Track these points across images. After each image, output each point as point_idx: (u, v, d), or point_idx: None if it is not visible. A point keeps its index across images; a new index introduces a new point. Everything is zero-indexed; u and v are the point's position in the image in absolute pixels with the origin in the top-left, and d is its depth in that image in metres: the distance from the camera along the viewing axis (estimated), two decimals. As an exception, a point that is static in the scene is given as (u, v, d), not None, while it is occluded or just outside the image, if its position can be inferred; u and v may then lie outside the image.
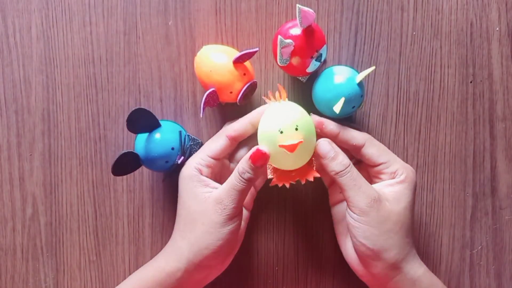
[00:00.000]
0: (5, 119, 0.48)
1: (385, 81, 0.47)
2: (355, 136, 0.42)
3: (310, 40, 0.40)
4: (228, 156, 0.45)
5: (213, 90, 0.41)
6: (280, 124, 0.38)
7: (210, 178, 0.42)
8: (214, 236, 0.40)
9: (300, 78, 0.46)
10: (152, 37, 0.47)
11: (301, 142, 0.38)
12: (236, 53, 0.42)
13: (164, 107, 0.48)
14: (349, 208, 0.40)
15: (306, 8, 0.38)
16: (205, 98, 0.41)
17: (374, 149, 0.41)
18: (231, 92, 0.42)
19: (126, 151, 0.40)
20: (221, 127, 0.48)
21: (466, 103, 0.47)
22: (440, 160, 0.47)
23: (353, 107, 0.41)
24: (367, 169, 0.43)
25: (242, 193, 0.40)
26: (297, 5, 0.38)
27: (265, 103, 0.42)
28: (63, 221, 0.48)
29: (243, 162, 0.40)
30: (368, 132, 0.47)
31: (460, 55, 0.47)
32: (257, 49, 0.41)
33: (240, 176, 0.40)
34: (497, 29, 0.47)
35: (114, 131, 0.48)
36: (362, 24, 0.47)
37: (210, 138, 0.47)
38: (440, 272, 0.48)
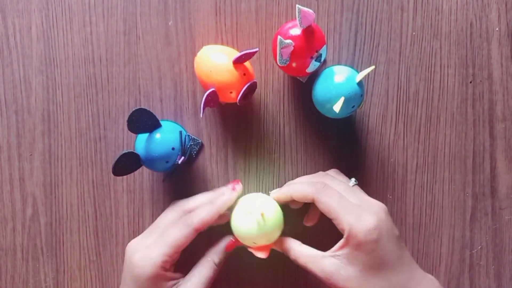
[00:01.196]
0: (5, 119, 0.48)
1: (385, 81, 0.47)
2: (303, 194, 0.42)
3: (310, 40, 0.40)
4: None
5: (213, 90, 0.41)
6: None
7: (169, 268, 0.42)
8: None
9: (300, 78, 0.46)
10: (152, 37, 0.47)
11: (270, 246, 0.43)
12: (236, 53, 0.42)
13: (164, 107, 0.48)
14: None
15: (305, 9, 0.38)
16: (205, 98, 0.41)
17: (323, 204, 0.40)
18: (231, 92, 0.42)
19: (126, 151, 0.40)
20: (221, 127, 0.48)
21: (466, 104, 0.47)
22: (440, 160, 0.47)
23: (353, 106, 0.41)
24: None
25: (212, 279, 0.42)
26: (297, 5, 0.38)
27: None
28: (63, 222, 0.48)
29: (218, 253, 0.43)
30: (368, 132, 0.47)
31: (460, 55, 0.47)
32: (257, 49, 0.41)
33: (216, 265, 0.42)
34: (497, 29, 0.47)
35: (114, 131, 0.48)
36: (362, 24, 0.47)
37: (210, 138, 0.48)
38: (440, 272, 0.48)
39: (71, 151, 0.48)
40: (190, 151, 0.44)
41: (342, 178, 0.45)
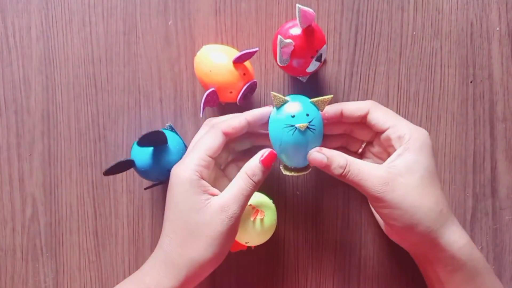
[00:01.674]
0: (4, 119, 0.48)
1: (385, 81, 0.47)
2: (357, 107, 0.40)
3: (310, 40, 0.40)
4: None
5: (213, 90, 0.41)
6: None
7: (207, 181, 0.39)
8: (218, 248, 0.37)
9: (300, 78, 0.45)
10: (152, 37, 0.47)
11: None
12: (236, 53, 0.42)
13: (164, 107, 0.48)
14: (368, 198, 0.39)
15: (306, 8, 0.38)
16: (205, 98, 0.41)
17: (379, 114, 0.39)
18: (231, 92, 0.42)
19: (125, 159, 0.40)
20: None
21: (466, 104, 0.47)
22: (440, 160, 0.47)
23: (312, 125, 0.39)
24: (379, 142, 0.42)
25: (248, 198, 0.39)
26: (297, 5, 0.38)
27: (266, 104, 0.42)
28: (62, 222, 0.48)
29: (252, 165, 0.38)
30: (368, 132, 0.47)
31: (460, 55, 0.47)
32: (257, 49, 0.41)
33: (251, 179, 0.38)
34: (497, 29, 0.47)
35: (114, 131, 0.48)
36: (362, 24, 0.47)
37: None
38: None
39: (71, 151, 0.48)
40: None
41: None
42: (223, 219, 0.37)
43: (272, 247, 0.48)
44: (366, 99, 0.47)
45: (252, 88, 0.43)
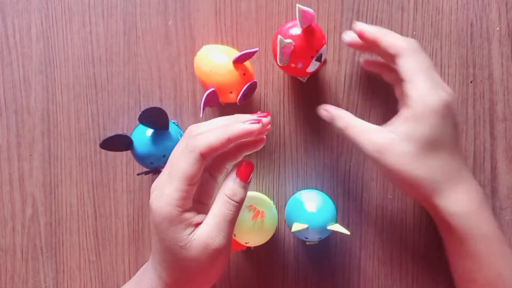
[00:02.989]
0: (4, 119, 0.48)
1: (385, 81, 0.47)
2: (393, 43, 0.38)
3: (310, 40, 0.40)
4: None
5: (213, 90, 0.41)
6: None
7: (188, 209, 0.35)
8: (212, 277, 0.36)
9: (300, 78, 0.45)
10: (152, 37, 0.47)
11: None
12: (236, 53, 0.42)
13: (163, 107, 0.47)
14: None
15: (306, 8, 0.38)
16: (205, 98, 0.41)
17: (405, 64, 0.38)
18: (231, 92, 0.42)
19: (123, 134, 0.40)
20: (221, 127, 0.47)
21: (466, 103, 0.47)
22: (440, 160, 0.47)
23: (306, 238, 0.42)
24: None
25: (233, 222, 0.36)
26: (297, 5, 0.38)
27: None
28: (62, 222, 0.48)
29: (230, 184, 0.36)
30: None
31: (460, 55, 0.47)
32: (257, 49, 0.41)
33: (231, 200, 0.35)
34: (497, 29, 0.47)
35: (114, 131, 0.48)
36: (362, 24, 0.47)
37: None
38: (441, 272, 0.47)
39: (71, 151, 0.48)
40: None
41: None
42: (210, 253, 0.34)
43: (272, 247, 0.48)
44: (366, 99, 0.47)
45: (252, 88, 0.43)
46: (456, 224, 0.38)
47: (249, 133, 0.35)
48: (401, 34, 0.47)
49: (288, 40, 0.39)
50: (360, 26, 0.40)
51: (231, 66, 0.41)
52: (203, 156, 0.34)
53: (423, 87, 0.37)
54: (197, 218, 0.35)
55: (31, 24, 0.48)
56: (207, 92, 0.41)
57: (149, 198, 0.48)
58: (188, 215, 0.35)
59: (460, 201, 0.38)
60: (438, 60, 0.47)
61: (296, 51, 0.40)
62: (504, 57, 0.47)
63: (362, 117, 0.47)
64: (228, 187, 0.36)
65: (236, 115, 0.37)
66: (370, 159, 0.39)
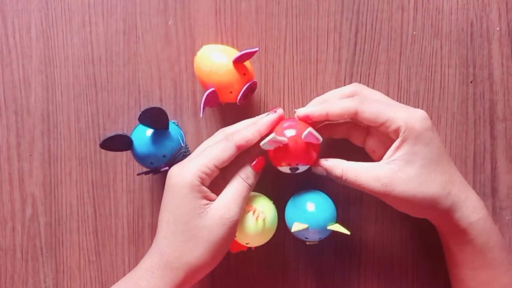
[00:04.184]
0: (4, 119, 0.48)
1: (385, 81, 0.47)
2: (342, 110, 0.39)
3: (300, 151, 0.40)
4: None
5: (213, 90, 0.41)
6: None
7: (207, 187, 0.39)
8: (217, 252, 0.38)
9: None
10: (152, 37, 0.47)
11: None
12: (236, 53, 0.42)
13: (164, 107, 0.47)
14: None
15: (316, 133, 0.39)
16: (205, 98, 0.41)
17: (368, 113, 0.39)
18: (231, 92, 0.42)
19: (123, 133, 0.40)
20: (221, 127, 0.47)
21: (467, 103, 0.47)
22: (441, 160, 0.47)
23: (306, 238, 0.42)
24: (378, 133, 0.42)
25: (245, 200, 0.40)
26: (310, 128, 0.39)
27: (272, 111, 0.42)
28: (62, 222, 0.48)
29: (245, 170, 0.40)
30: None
31: (461, 55, 0.47)
32: (257, 49, 0.41)
33: (245, 181, 0.40)
34: (498, 29, 0.47)
35: (114, 131, 0.48)
36: (362, 24, 0.47)
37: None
38: (442, 272, 0.47)
39: (71, 151, 0.48)
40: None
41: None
42: (224, 222, 0.38)
43: (272, 247, 0.48)
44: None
45: (252, 88, 0.43)
46: (475, 233, 0.39)
47: (273, 122, 0.40)
48: (401, 34, 0.47)
49: (283, 138, 0.39)
50: (303, 111, 0.40)
51: (231, 66, 0.41)
52: (238, 148, 0.39)
53: (402, 115, 0.38)
54: (212, 194, 0.39)
55: (31, 24, 0.48)
56: (207, 92, 0.41)
57: (149, 198, 0.48)
58: (205, 189, 0.38)
59: (476, 209, 0.39)
60: (438, 60, 0.47)
61: (280, 149, 0.40)
62: (504, 57, 0.47)
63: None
64: (244, 172, 0.40)
65: (257, 117, 0.42)
66: (379, 196, 0.39)
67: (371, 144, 0.43)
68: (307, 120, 0.41)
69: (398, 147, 0.38)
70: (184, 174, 0.38)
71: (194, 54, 0.46)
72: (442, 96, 0.47)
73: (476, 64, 0.47)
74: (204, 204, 0.38)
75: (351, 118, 0.40)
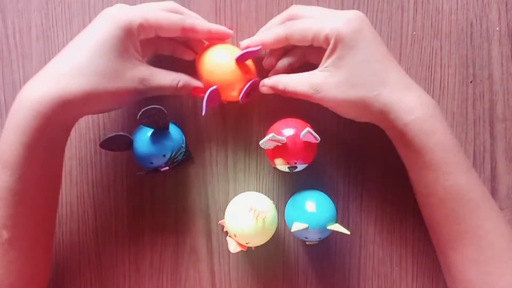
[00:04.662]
0: (4, 119, 0.48)
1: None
2: (273, 36, 0.41)
3: (298, 150, 0.41)
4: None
5: (215, 88, 0.41)
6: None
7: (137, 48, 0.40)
8: (107, 101, 0.39)
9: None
10: (152, 37, 0.47)
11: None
12: (238, 51, 0.42)
13: (164, 107, 0.47)
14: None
15: (314, 134, 0.39)
16: (207, 96, 0.41)
17: (296, 35, 0.40)
18: (233, 91, 0.42)
19: (123, 133, 0.40)
20: (221, 127, 0.48)
21: (466, 104, 0.47)
22: (440, 160, 0.47)
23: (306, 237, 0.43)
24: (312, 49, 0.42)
25: (164, 92, 0.42)
26: (308, 128, 0.39)
27: None
28: (63, 222, 0.48)
29: (186, 82, 0.42)
30: (367, 133, 0.47)
31: (460, 55, 0.47)
32: (259, 47, 0.41)
33: (176, 87, 0.42)
34: (497, 29, 0.47)
35: (114, 131, 0.48)
36: (362, 24, 0.47)
37: (210, 138, 0.48)
38: (441, 272, 0.48)
39: (71, 151, 0.48)
40: (177, 165, 0.44)
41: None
42: (140, 81, 0.40)
43: (272, 247, 0.48)
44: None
45: (254, 86, 0.43)
46: (412, 134, 0.38)
47: (223, 33, 0.43)
48: (401, 34, 0.47)
49: (282, 138, 0.40)
50: (244, 43, 0.43)
51: (233, 64, 0.42)
52: (182, 29, 0.41)
53: (328, 24, 0.38)
54: (140, 58, 0.40)
55: (31, 24, 0.48)
56: (209, 90, 0.41)
57: (149, 198, 0.48)
58: (138, 43, 0.39)
59: (412, 109, 0.38)
60: (438, 60, 0.47)
61: (279, 147, 0.41)
62: (504, 57, 0.47)
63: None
64: (184, 82, 0.42)
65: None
66: (318, 102, 0.41)
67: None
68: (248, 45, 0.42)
69: (330, 55, 0.39)
70: (123, 14, 0.38)
71: (194, 53, 0.46)
72: (442, 96, 0.47)
73: (476, 64, 0.47)
74: (136, 58, 0.40)
75: (287, 44, 0.42)
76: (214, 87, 0.41)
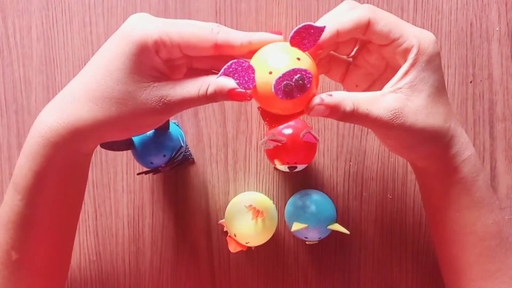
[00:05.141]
0: (5, 119, 0.48)
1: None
2: (355, 16, 0.33)
3: (297, 150, 0.41)
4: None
5: (249, 64, 0.31)
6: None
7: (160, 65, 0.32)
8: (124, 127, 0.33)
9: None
10: (152, 37, 0.47)
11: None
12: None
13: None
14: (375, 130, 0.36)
15: (314, 133, 0.39)
16: (236, 64, 0.31)
17: (382, 25, 0.33)
18: (273, 109, 0.32)
19: None
20: (221, 127, 0.48)
21: (466, 104, 0.47)
22: (440, 160, 0.47)
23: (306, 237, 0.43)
24: (380, 51, 0.35)
25: (193, 105, 0.33)
26: (307, 128, 0.39)
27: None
28: (63, 221, 0.48)
29: (218, 83, 0.32)
30: (368, 132, 0.47)
31: (460, 55, 0.47)
32: (284, 139, 0.41)
33: (207, 98, 0.32)
34: (497, 29, 0.47)
35: (114, 131, 0.48)
36: (362, 24, 0.47)
37: (210, 138, 0.48)
38: (442, 272, 0.48)
39: (71, 151, 0.48)
40: (177, 165, 0.44)
41: None
42: (159, 100, 0.32)
43: (272, 247, 0.48)
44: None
45: (302, 77, 0.30)
46: (466, 170, 0.36)
47: (269, 40, 0.32)
48: (401, 34, 0.47)
49: (282, 138, 0.40)
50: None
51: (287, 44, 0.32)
52: (215, 45, 0.32)
53: (416, 33, 0.33)
54: (162, 77, 0.33)
55: (32, 24, 0.48)
56: (242, 61, 0.31)
57: (149, 198, 0.48)
58: (159, 62, 0.32)
59: (468, 145, 0.36)
60: (437, 60, 0.47)
61: (279, 148, 0.41)
62: (503, 57, 0.47)
63: (362, 117, 0.47)
64: (214, 87, 0.32)
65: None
66: (381, 132, 0.35)
67: (353, 77, 0.38)
68: (318, 47, 0.33)
69: (407, 72, 0.33)
70: (141, 28, 0.31)
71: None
72: (442, 96, 0.47)
73: (476, 64, 0.47)
74: (152, 76, 0.32)
75: (360, 34, 0.34)
76: (248, 61, 0.32)
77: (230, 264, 0.48)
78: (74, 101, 0.33)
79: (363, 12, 0.33)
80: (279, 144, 0.40)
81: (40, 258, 0.37)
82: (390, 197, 0.47)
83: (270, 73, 0.30)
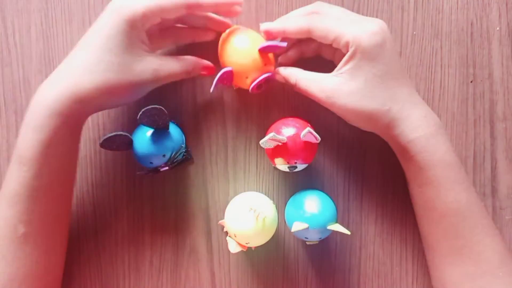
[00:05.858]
0: (4, 119, 0.48)
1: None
2: (297, 25, 0.41)
3: (298, 150, 0.41)
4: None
5: (229, 70, 0.41)
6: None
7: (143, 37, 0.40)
8: (118, 98, 0.40)
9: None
10: (152, 37, 0.47)
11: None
12: (262, 41, 0.42)
13: (164, 107, 0.47)
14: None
15: (314, 133, 0.39)
16: (220, 75, 0.41)
17: (319, 31, 0.40)
18: (246, 78, 0.42)
19: (123, 133, 0.40)
20: (221, 127, 0.48)
21: (467, 103, 0.47)
22: (441, 160, 0.47)
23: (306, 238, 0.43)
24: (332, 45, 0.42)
25: (176, 79, 0.42)
26: (308, 128, 0.39)
27: None
28: (62, 222, 0.48)
29: (195, 61, 0.43)
30: (367, 133, 0.47)
31: (461, 55, 0.47)
32: (285, 44, 0.42)
33: (186, 71, 0.42)
34: (498, 29, 0.47)
35: (114, 131, 0.48)
36: (362, 24, 0.47)
37: (210, 138, 0.48)
38: (440, 273, 0.48)
39: (71, 151, 0.48)
40: (177, 165, 0.44)
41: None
42: (155, 74, 0.40)
43: (272, 247, 0.48)
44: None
45: (268, 80, 0.43)
46: (415, 150, 0.40)
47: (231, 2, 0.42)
48: (401, 34, 0.47)
49: (283, 137, 0.40)
50: (264, 27, 0.42)
51: (255, 53, 0.42)
52: (188, 6, 0.40)
53: (351, 30, 0.39)
54: (147, 48, 0.41)
55: (31, 24, 0.48)
56: (224, 70, 0.41)
57: (149, 199, 0.48)
58: (145, 36, 0.40)
59: (417, 127, 0.40)
60: (438, 60, 0.47)
61: (279, 147, 0.41)
62: (504, 57, 0.47)
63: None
64: (193, 65, 0.43)
65: None
66: (326, 106, 0.41)
67: (337, 58, 0.43)
68: (269, 36, 0.43)
69: (347, 61, 0.39)
70: (127, 6, 0.38)
71: (194, 54, 0.46)
72: (442, 96, 0.47)
73: (476, 64, 0.47)
74: (144, 48, 0.40)
75: (307, 36, 0.42)
76: (229, 68, 0.41)
77: (230, 264, 0.48)
78: (75, 75, 0.38)
79: (304, 22, 0.41)
80: (280, 144, 0.40)
81: (44, 232, 0.40)
82: (390, 197, 0.47)
83: (246, 78, 0.42)
